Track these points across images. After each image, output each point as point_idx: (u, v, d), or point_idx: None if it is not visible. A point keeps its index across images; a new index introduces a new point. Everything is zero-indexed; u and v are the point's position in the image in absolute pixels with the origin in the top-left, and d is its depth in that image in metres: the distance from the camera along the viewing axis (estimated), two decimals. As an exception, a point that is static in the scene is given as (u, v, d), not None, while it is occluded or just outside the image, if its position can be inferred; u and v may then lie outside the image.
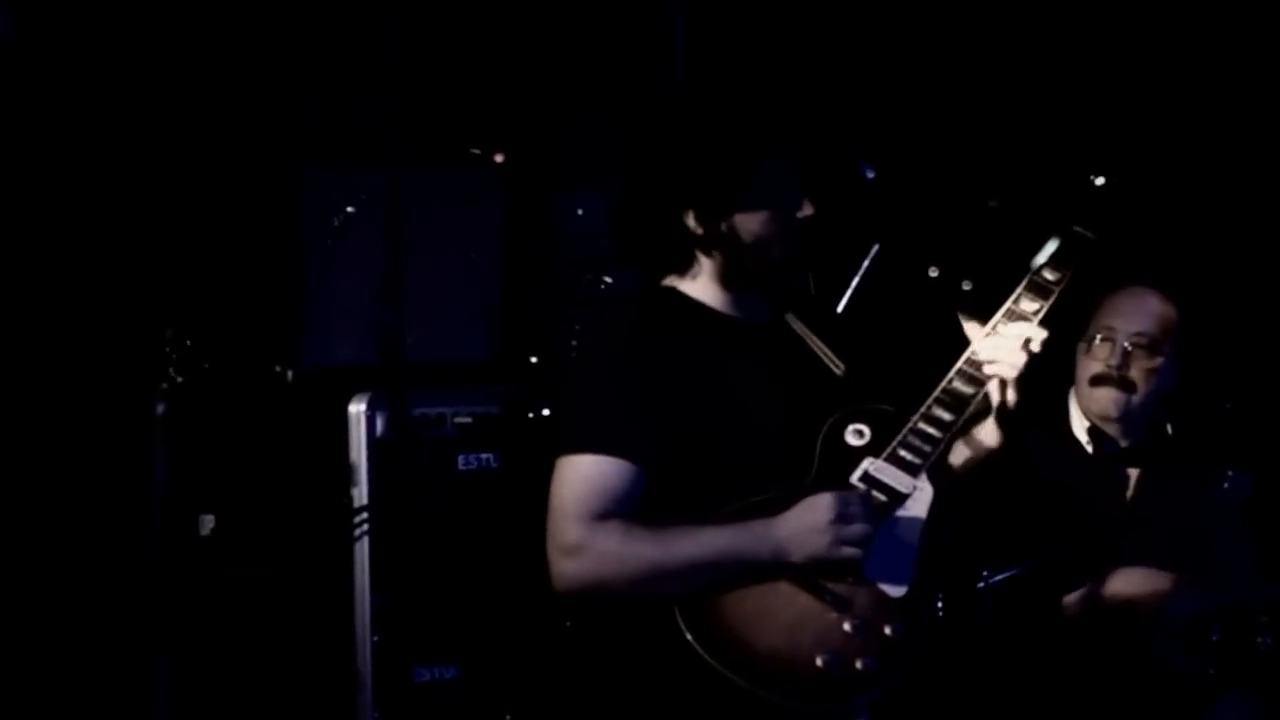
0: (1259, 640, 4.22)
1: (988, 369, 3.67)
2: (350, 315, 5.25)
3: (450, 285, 5.39)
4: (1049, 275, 3.78)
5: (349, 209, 5.22)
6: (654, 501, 3.56)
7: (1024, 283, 3.78)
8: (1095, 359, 4.58)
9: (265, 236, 5.36)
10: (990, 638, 4.31)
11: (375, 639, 4.93)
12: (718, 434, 3.59)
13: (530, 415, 5.18)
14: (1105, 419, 4.60)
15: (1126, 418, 4.58)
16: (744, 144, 3.64)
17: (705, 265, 3.72)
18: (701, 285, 3.74)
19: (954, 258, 4.87)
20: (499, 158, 5.73)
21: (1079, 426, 4.65)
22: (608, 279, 5.58)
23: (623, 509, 3.52)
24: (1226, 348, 5.25)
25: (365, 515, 4.98)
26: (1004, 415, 3.72)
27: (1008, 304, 3.75)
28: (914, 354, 3.77)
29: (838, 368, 3.76)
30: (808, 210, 3.66)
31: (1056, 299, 3.77)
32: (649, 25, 5.93)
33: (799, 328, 3.81)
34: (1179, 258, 4.29)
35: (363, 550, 4.97)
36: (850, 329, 3.93)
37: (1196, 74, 5.70)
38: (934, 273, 4.71)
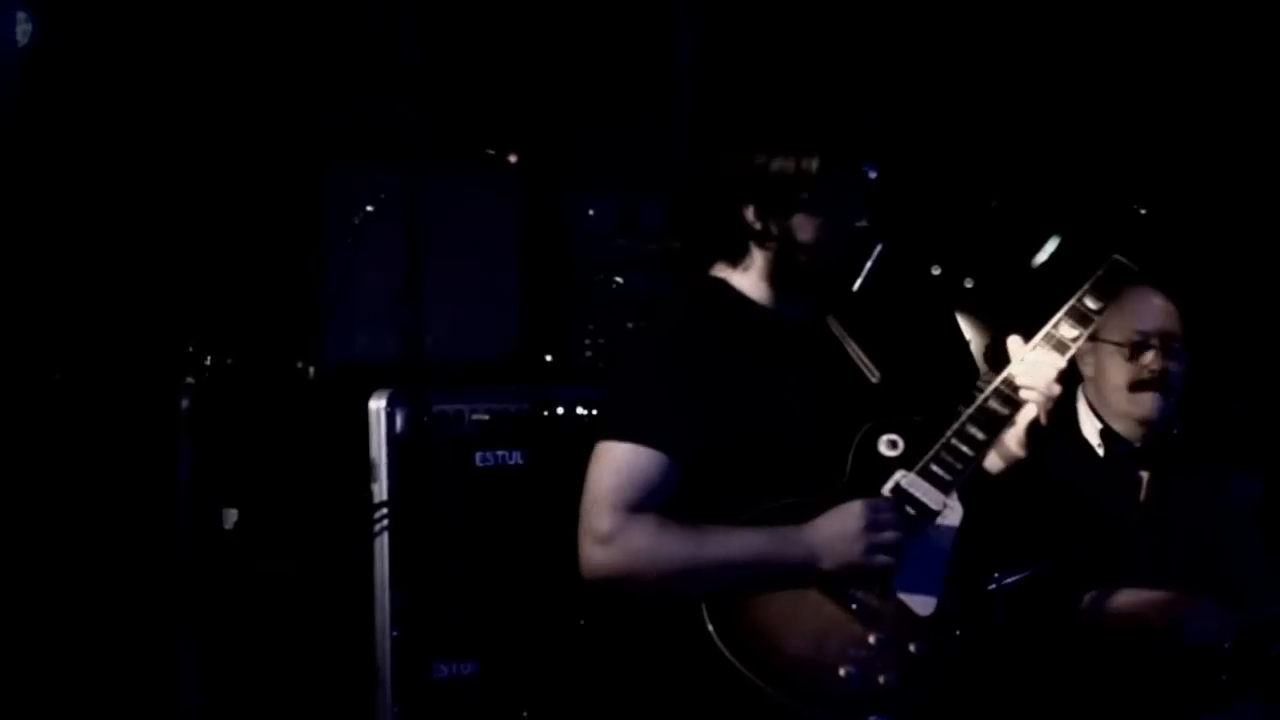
0: (1273, 648, 4.26)
1: (1024, 394, 3.69)
2: (370, 313, 5.27)
3: (467, 284, 5.41)
4: (1090, 304, 3.80)
5: (369, 208, 5.25)
6: (684, 496, 3.58)
7: (1065, 308, 3.79)
8: (1134, 363, 4.60)
9: (287, 235, 5.39)
10: (1000, 640, 4.34)
11: (395, 634, 4.93)
12: (754, 434, 3.62)
13: (546, 413, 5.21)
14: (1147, 422, 4.62)
15: (1164, 419, 4.63)
16: (820, 149, 3.66)
17: (757, 260, 3.74)
18: (751, 279, 3.76)
19: (956, 256, 4.91)
20: (513, 158, 5.76)
21: (1090, 429, 4.68)
22: (619, 279, 5.62)
23: (655, 501, 3.54)
24: (1227, 346, 5.29)
25: (385, 511, 5.00)
26: (1033, 435, 3.73)
27: (1047, 328, 3.76)
28: (945, 363, 3.78)
29: (873, 375, 3.79)
30: (864, 222, 3.70)
31: (1095, 328, 3.81)
32: (654, 25, 5.95)
33: (838, 330, 3.84)
34: (1173, 255, 4.31)
35: (383, 546, 5.00)
36: (888, 336, 3.94)
37: (1199, 72, 5.71)
38: (936, 271, 4.74)
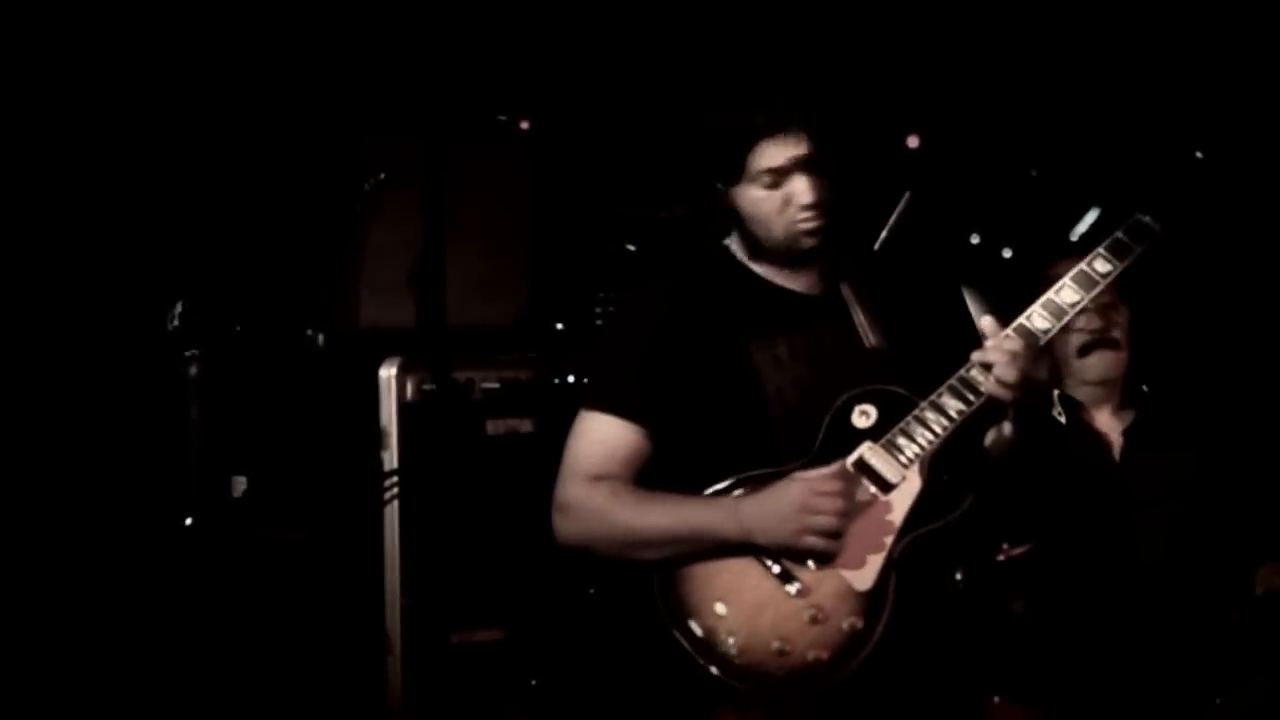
0: None
1: (981, 373, 3.60)
2: (382, 281, 5.27)
3: (478, 252, 5.41)
4: (1100, 267, 3.67)
5: (381, 175, 5.24)
6: (665, 465, 3.63)
7: (1071, 273, 3.67)
8: (1073, 330, 4.58)
9: (298, 203, 5.39)
10: (993, 613, 4.35)
11: (405, 602, 4.97)
12: (731, 405, 3.63)
13: (557, 381, 5.22)
14: (1107, 382, 4.62)
15: (1118, 378, 4.63)
16: (739, 124, 3.62)
17: (740, 230, 3.75)
18: (746, 251, 3.76)
19: (995, 226, 4.89)
20: (524, 125, 5.75)
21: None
22: (631, 246, 5.62)
23: (624, 471, 3.61)
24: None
25: (395, 479, 5.01)
26: (1010, 415, 3.67)
27: (1048, 294, 3.67)
28: (948, 335, 3.73)
29: (870, 342, 3.74)
30: (807, 196, 3.61)
31: (1100, 293, 3.69)
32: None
33: (850, 298, 3.77)
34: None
35: (393, 514, 5.01)
36: (902, 303, 3.85)
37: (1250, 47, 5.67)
38: (975, 240, 4.72)
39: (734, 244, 3.77)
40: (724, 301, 3.70)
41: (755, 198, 3.63)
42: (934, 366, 3.64)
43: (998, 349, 3.58)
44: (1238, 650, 4.28)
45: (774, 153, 3.60)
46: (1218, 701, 4.18)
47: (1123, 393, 4.65)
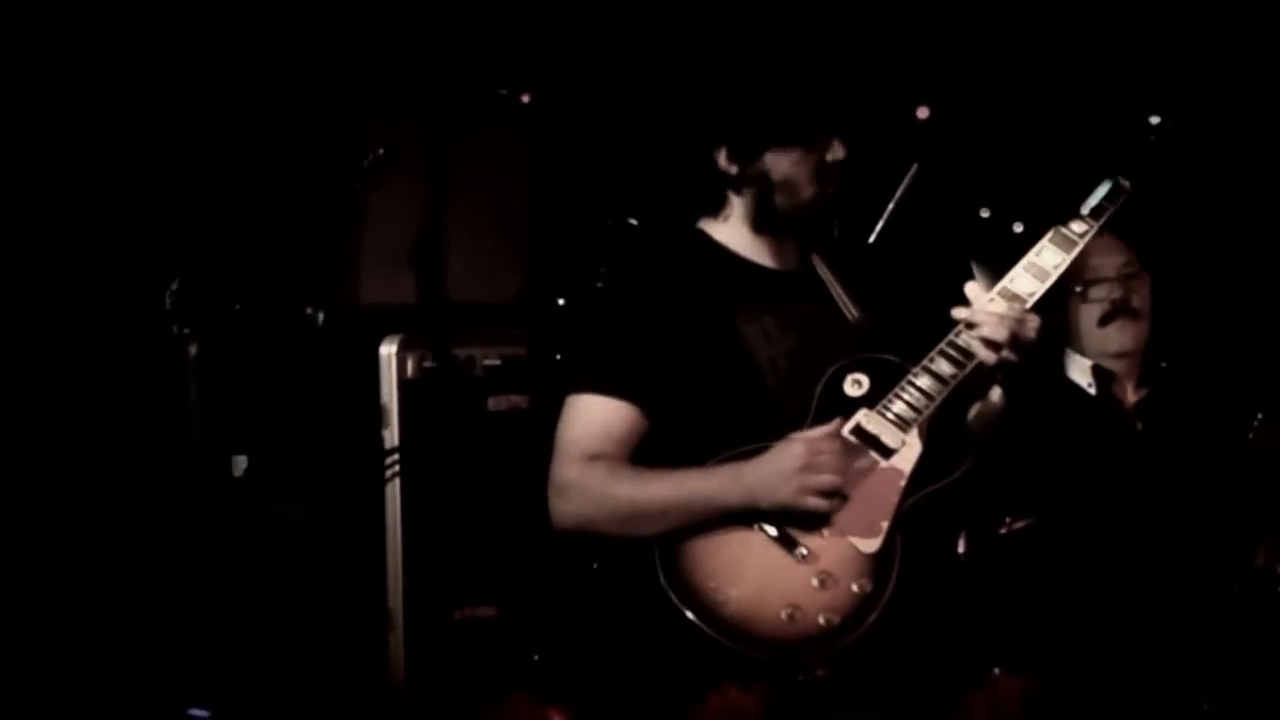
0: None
1: (967, 335, 3.63)
2: (382, 257, 5.26)
3: (478, 227, 5.39)
4: (1075, 227, 3.73)
5: (380, 151, 5.22)
6: (659, 444, 3.62)
7: (1049, 235, 3.73)
8: (1095, 300, 4.58)
9: (296, 180, 5.37)
10: (964, 579, 4.34)
11: (406, 579, 4.96)
12: (724, 381, 3.64)
13: (559, 357, 5.20)
14: (1122, 355, 4.61)
15: (1139, 350, 4.61)
16: (783, 82, 3.67)
17: (736, 207, 3.75)
18: (731, 229, 3.77)
19: (1006, 200, 4.87)
20: (525, 99, 5.73)
21: (1079, 371, 4.65)
22: (632, 221, 5.59)
23: (619, 451, 3.61)
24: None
25: (396, 456, 5.01)
26: (999, 380, 3.70)
27: (1029, 256, 3.71)
28: (935, 302, 3.74)
29: (852, 315, 3.77)
30: (839, 153, 3.67)
31: (1080, 252, 3.73)
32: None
33: (824, 273, 3.82)
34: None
35: (394, 491, 5.01)
36: (876, 275, 3.92)
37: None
38: (985, 214, 4.70)
39: (711, 224, 3.77)
40: (707, 280, 3.71)
41: (795, 158, 3.65)
42: (917, 335, 3.66)
43: (982, 311, 3.61)
44: (1234, 626, 4.27)
45: (823, 115, 3.66)
46: (1211, 677, 4.18)
47: (1143, 368, 4.63)
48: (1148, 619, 4.32)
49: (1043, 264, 3.70)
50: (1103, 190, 3.77)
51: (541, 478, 3.72)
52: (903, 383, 3.61)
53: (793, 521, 3.52)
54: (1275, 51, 5.41)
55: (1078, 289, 4.58)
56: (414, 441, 5.02)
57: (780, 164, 3.67)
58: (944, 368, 3.61)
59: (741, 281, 3.72)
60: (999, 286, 3.67)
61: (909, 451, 3.59)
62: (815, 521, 3.52)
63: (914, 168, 4.76)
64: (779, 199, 3.69)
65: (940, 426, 3.62)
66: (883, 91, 5.16)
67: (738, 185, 3.72)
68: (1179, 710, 4.13)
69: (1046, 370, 4.53)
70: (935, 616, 3.68)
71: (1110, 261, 4.59)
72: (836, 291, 3.79)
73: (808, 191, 3.68)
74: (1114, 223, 3.83)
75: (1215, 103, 5.32)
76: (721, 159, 3.70)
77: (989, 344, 3.59)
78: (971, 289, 3.65)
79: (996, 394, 3.73)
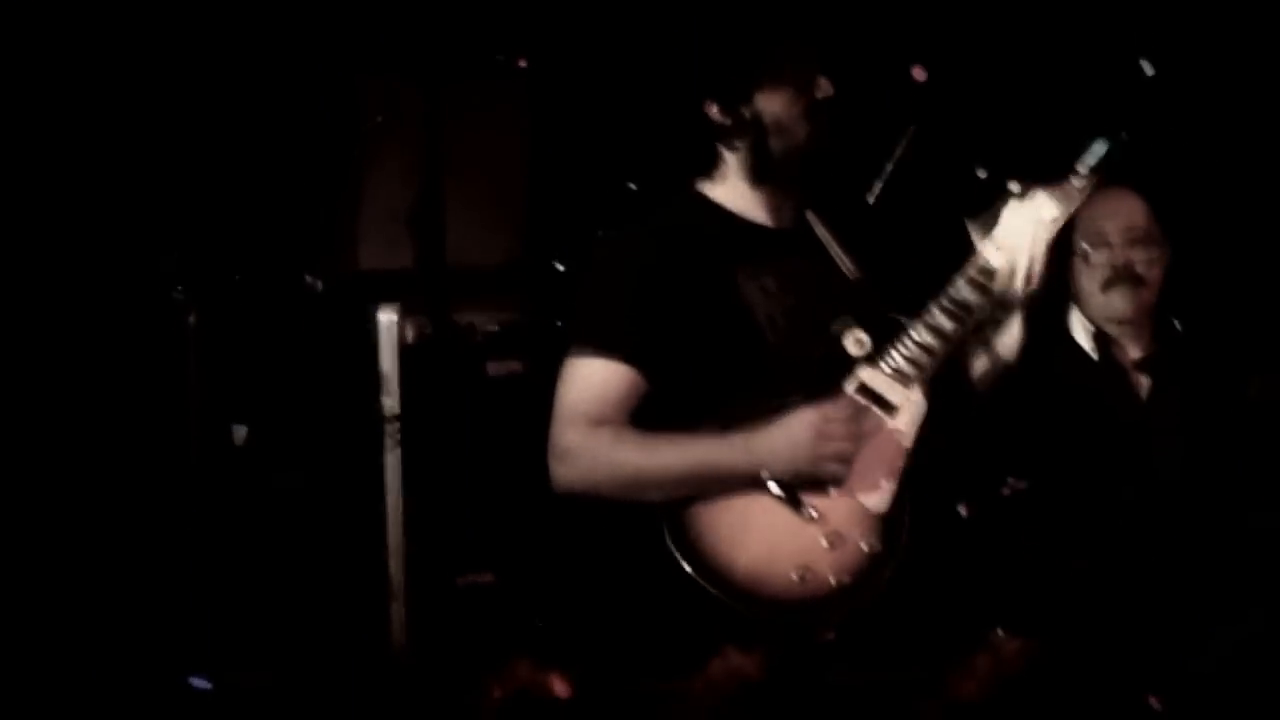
0: None
1: (999, 256, 3.61)
2: (380, 223, 5.25)
3: (476, 193, 5.38)
4: (1075, 182, 3.67)
5: (378, 118, 5.21)
6: (659, 409, 3.59)
7: (1045, 188, 3.66)
8: (1098, 264, 4.56)
9: (292, 146, 5.36)
10: (999, 545, 4.34)
11: (407, 547, 4.96)
12: (726, 341, 3.61)
13: (558, 322, 5.19)
14: (1124, 321, 4.58)
15: (1142, 316, 4.59)
16: (762, 22, 3.65)
17: (731, 163, 3.71)
18: (728, 187, 3.73)
19: (1002, 159, 4.85)
20: (522, 63, 5.71)
21: (1083, 335, 4.63)
22: (631, 185, 5.58)
23: (619, 414, 3.57)
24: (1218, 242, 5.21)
25: (396, 424, 5.01)
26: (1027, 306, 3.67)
27: (1022, 206, 3.65)
28: (932, 260, 3.72)
29: (850, 273, 3.74)
30: (826, 89, 3.64)
31: (1078, 207, 3.69)
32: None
33: (821, 231, 3.78)
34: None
35: (394, 458, 5.01)
36: (873, 232, 3.90)
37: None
38: (982, 174, 4.68)
39: (706, 185, 3.75)
40: (705, 238, 3.68)
41: (785, 98, 3.62)
42: (915, 292, 3.63)
43: (1011, 232, 3.61)
44: (1234, 585, 4.26)
45: (809, 53, 3.64)
46: (1213, 634, 4.18)
47: (1153, 330, 4.61)
48: (1147, 579, 4.31)
49: (1042, 215, 3.65)
50: (1100, 147, 3.74)
51: (542, 443, 3.70)
52: (903, 338, 3.59)
53: (801, 485, 3.51)
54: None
55: (1081, 250, 4.56)
56: (413, 408, 5.02)
57: (771, 105, 3.63)
58: (943, 322, 3.58)
59: (740, 239, 3.69)
60: (972, 260, 3.63)
61: (913, 408, 3.57)
62: (823, 480, 3.51)
63: (910, 130, 4.73)
64: (774, 143, 3.65)
65: (943, 382, 3.61)
66: (871, 40, 5.12)
67: (731, 138, 3.68)
68: (1180, 669, 4.13)
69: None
70: (944, 575, 3.67)
71: (1115, 225, 4.56)
72: (834, 249, 3.76)
73: (801, 132, 3.64)
74: (1133, 185, 3.82)
75: (1219, 55, 5.30)
76: (713, 112, 3.66)
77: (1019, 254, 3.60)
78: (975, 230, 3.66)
79: (1002, 346, 3.71)
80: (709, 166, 3.74)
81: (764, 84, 3.62)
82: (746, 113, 3.64)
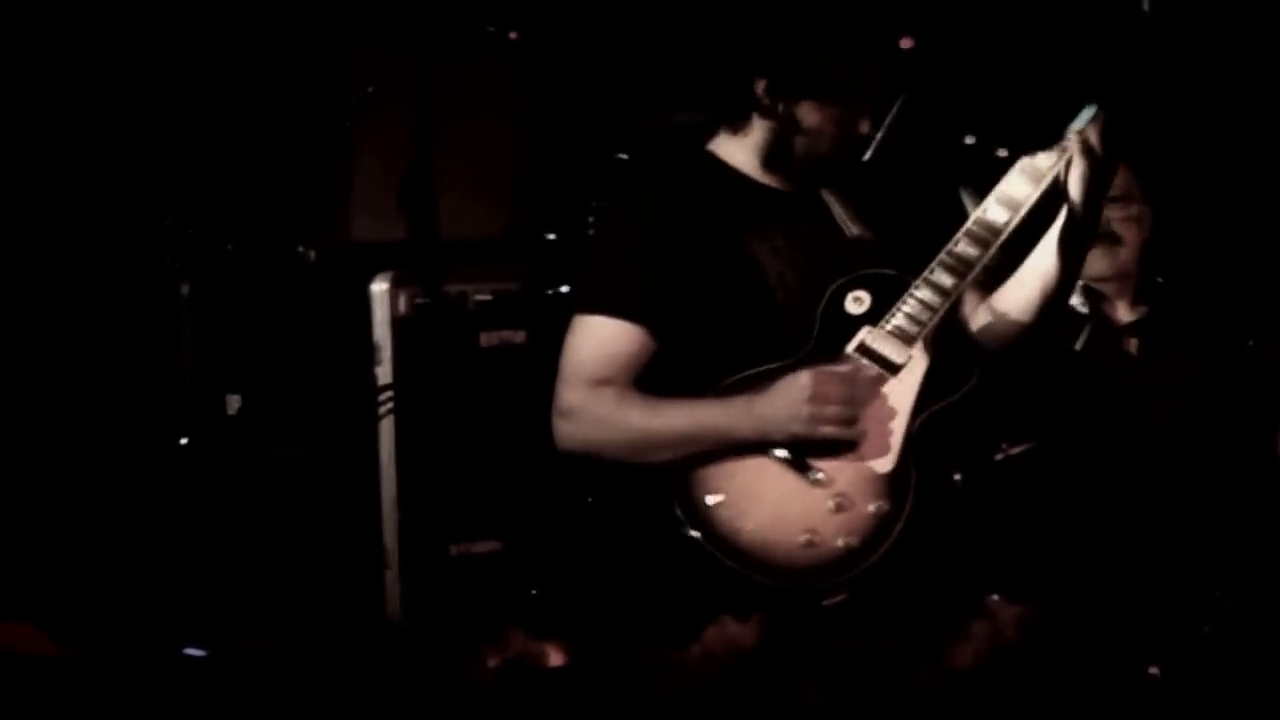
0: None
1: (999, 211, 3.60)
2: (373, 194, 5.24)
3: (468, 162, 5.37)
4: (1043, 160, 3.65)
5: (370, 89, 5.20)
6: (664, 369, 3.61)
7: (1017, 164, 3.67)
8: None
9: (285, 118, 5.35)
10: (995, 510, 4.34)
11: (402, 516, 4.96)
12: (731, 302, 3.63)
13: (550, 292, 5.19)
14: (1102, 280, 4.59)
15: (1122, 275, 4.59)
16: (846, 43, 3.66)
17: (756, 131, 3.72)
18: (744, 148, 3.74)
19: (989, 125, 4.85)
20: (513, 35, 5.70)
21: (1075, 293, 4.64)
22: (623, 155, 5.58)
23: (624, 374, 3.59)
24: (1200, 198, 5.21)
25: (389, 393, 5.01)
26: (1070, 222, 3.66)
27: (999, 187, 3.66)
28: (932, 218, 3.73)
29: (852, 233, 3.76)
30: (866, 127, 3.69)
31: (1050, 185, 3.66)
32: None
33: (828, 194, 3.80)
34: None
35: (388, 428, 5.01)
36: (872, 192, 3.90)
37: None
38: (970, 140, 4.68)
39: (724, 139, 3.75)
40: (715, 199, 3.69)
41: (831, 115, 3.64)
42: (917, 250, 3.64)
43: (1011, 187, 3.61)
44: (1234, 548, 4.27)
45: (871, 76, 3.68)
46: (1215, 594, 4.19)
47: (1136, 287, 4.61)
48: (1146, 542, 4.32)
49: (1013, 194, 3.64)
50: (1087, 114, 3.73)
51: (535, 412, 3.71)
52: (905, 297, 3.60)
53: (806, 445, 3.53)
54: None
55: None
56: (407, 378, 5.01)
57: (812, 116, 3.65)
58: (944, 279, 3.59)
59: (750, 200, 3.71)
60: (973, 216, 3.65)
61: (916, 366, 3.58)
62: (828, 443, 3.52)
63: (900, 100, 4.74)
64: (798, 142, 3.67)
65: (946, 341, 3.62)
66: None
67: (765, 115, 3.69)
68: (1179, 633, 4.14)
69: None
70: (950, 538, 3.68)
71: None
72: (837, 210, 3.78)
73: (827, 148, 3.67)
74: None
75: (1209, 18, 5.30)
76: (760, 87, 3.66)
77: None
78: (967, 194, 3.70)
79: (1004, 303, 3.73)
80: (735, 123, 3.73)
81: (818, 95, 3.64)
82: (789, 108, 3.65)
